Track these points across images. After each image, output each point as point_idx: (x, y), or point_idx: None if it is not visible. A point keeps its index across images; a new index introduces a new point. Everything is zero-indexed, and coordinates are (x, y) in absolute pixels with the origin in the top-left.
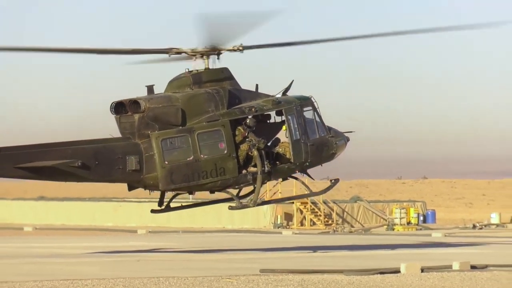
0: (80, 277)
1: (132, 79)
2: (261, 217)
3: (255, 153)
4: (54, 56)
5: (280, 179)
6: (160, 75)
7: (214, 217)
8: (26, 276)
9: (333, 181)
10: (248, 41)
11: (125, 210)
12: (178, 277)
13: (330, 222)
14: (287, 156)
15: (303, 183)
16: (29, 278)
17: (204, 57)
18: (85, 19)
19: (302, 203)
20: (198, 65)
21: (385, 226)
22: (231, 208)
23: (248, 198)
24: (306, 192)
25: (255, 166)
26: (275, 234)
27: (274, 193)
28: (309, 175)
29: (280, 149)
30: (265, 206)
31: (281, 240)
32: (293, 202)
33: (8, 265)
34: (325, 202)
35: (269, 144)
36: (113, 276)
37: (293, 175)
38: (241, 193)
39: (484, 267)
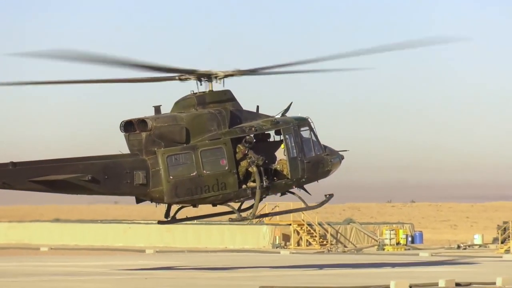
0: None
1: (140, 99)
2: (260, 238)
3: (254, 169)
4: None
5: (279, 194)
6: (167, 96)
7: (217, 237)
8: None
9: (327, 196)
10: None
11: (134, 232)
12: None
13: (324, 242)
14: (285, 173)
15: (300, 197)
16: None
17: (208, 80)
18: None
19: (298, 224)
20: (203, 87)
21: (376, 246)
22: (231, 220)
23: (248, 211)
24: (302, 206)
25: (254, 181)
26: (273, 254)
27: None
28: (306, 190)
29: (278, 166)
30: (264, 228)
31: (279, 259)
32: (290, 224)
33: (26, 282)
34: (320, 224)
35: (267, 161)
36: None
37: (290, 190)
38: (243, 208)
39: (468, 285)
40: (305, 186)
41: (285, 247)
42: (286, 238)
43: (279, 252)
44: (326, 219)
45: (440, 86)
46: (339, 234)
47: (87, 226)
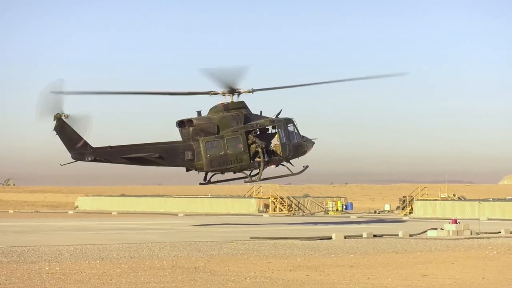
0: (145, 242)
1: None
2: (250, 206)
3: (260, 150)
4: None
5: (274, 166)
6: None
7: (224, 206)
8: (113, 240)
9: (304, 166)
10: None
11: (171, 202)
12: (202, 241)
13: (291, 209)
14: (278, 152)
15: (287, 167)
16: (114, 242)
17: (230, 95)
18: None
19: (275, 198)
20: (227, 99)
21: (323, 212)
22: (245, 182)
23: (255, 176)
24: (289, 173)
25: (260, 157)
26: (259, 216)
27: (260, 192)
28: (291, 163)
29: (274, 148)
30: (253, 200)
31: (263, 219)
32: (269, 198)
33: (102, 234)
34: (288, 197)
35: (267, 145)
36: (163, 241)
37: (281, 163)
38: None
39: (381, 236)
40: (291, 161)
41: (266, 212)
42: (266, 206)
43: (262, 215)
44: (292, 194)
45: (372, 103)
46: (300, 204)
47: (142, 199)
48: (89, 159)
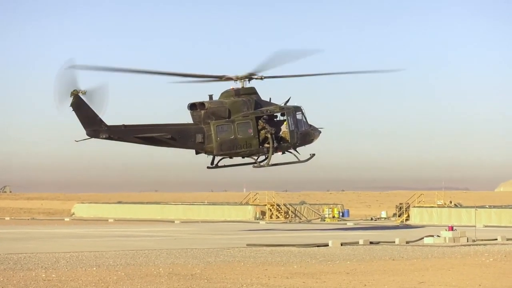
0: (141, 249)
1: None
2: (247, 213)
3: (269, 136)
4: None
5: (281, 153)
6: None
7: (220, 213)
8: (109, 247)
9: (311, 154)
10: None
11: (168, 209)
12: (198, 248)
13: (287, 216)
14: (287, 139)
15: (294, 155)
16: (111, 249)
17: (241, 80)
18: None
19: (271, 205)
20: (238, 85)
21: (320, 219)
22: (254, 167)
23: (263, 162)
24: (296, 160)
25: (269, 143)
26: (255, 223)
27: (256, 199)
28: (297, 151)
29: (283, 135)
30: (249, 207)
31: (259, 226)
32: (266, 205)
33: (99, 241)
34: (284, 204)
35: (276, 131)
36: (160, 248)
37: (289, 150)
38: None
39: (377, 243)
40: (298, 149)
41: (263, 219)
42: (263, 213)
43: (259, 222)
44: (289, 201)
45: (369, 109)
46: (296, 211)
47: (138, 206)
48: (104, 136)
